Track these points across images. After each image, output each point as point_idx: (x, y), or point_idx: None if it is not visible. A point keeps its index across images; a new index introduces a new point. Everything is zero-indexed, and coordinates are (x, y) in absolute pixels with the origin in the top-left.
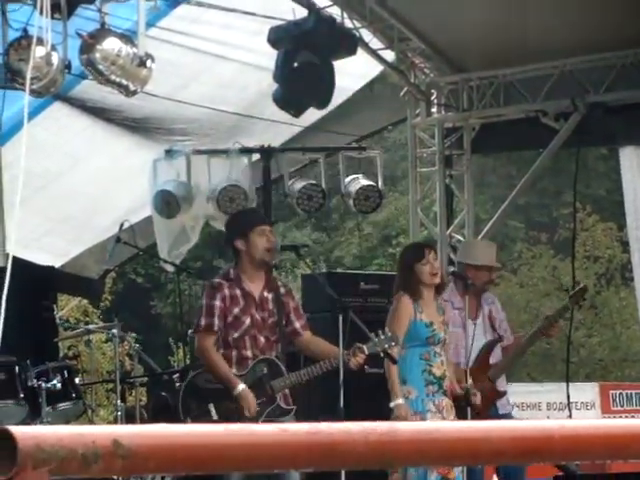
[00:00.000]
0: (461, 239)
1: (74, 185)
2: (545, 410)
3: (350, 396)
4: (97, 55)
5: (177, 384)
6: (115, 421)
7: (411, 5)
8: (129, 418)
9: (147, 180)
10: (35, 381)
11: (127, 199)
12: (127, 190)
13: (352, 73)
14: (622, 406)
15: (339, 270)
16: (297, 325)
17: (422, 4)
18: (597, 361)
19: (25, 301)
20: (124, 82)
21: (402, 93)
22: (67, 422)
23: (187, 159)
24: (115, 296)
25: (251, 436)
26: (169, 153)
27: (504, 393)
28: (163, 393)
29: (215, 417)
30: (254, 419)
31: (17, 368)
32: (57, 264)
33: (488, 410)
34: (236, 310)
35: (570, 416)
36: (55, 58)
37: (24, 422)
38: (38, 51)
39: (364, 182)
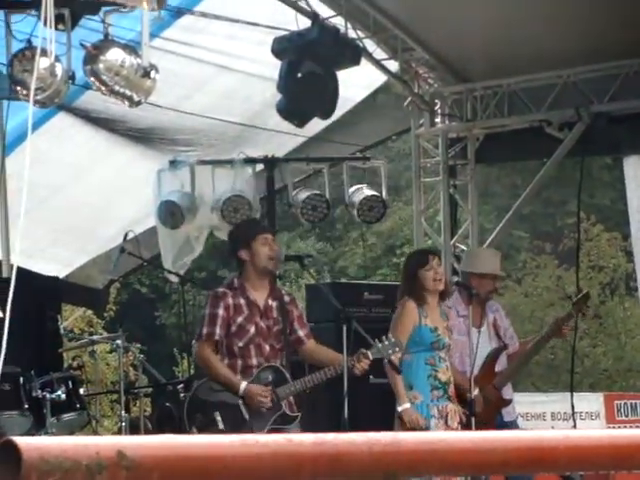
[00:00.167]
0: (465, 249)
1: (78, 195)
2: (550, 420)
3: (355, 405)
4: (101, 66)
5: (182, 395)
6: (119, 432)
7: (415, 15)
8: (133, 429)
9: (151, 191)
10: (39, 392)
11: (131, 209)
12: (131, 200)
13: (356, 83)
14: (627, 416)
15: (343, 280)
16: (301, 333)
17: (426, 14)
18: (602, 371)
19: (29, 311)
20: (128, 93)
21: (406, 103)
22: (71, 433)
23: (191, 169)
24: (119, 306)
25: (256, 447)
26: (173, 164)
27: (510, 401)
28: (167, 404)
29: (221, 426)
30: (261, 426)
31: (22, 379)
32: (61, 274)
33: (494, 419)
34: (240, 319)
35: (574, 426)
36: (59, 69)
37: (29, 433)
38: (42, 62)
39: (368, 192)
